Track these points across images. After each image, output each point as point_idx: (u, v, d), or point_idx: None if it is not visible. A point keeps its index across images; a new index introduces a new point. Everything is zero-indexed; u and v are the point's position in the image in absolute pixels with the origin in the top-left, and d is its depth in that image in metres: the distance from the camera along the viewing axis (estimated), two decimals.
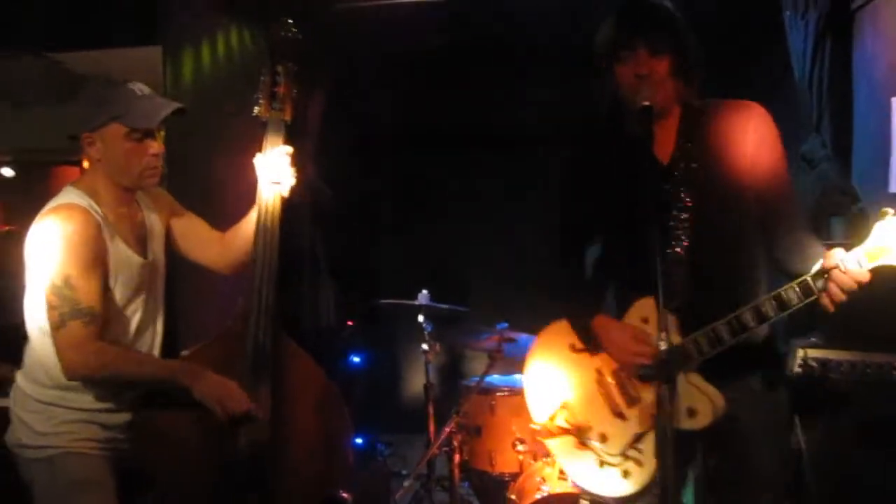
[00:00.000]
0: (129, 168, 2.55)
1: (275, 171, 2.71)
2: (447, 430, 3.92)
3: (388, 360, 6.24)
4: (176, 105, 2.59)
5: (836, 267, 2.12)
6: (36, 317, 2.52)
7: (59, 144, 5.80)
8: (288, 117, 2.78)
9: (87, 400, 2.53)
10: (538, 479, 3.73)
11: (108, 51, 4.18)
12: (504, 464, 4.02)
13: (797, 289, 2.18)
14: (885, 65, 3.94)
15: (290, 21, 2.79)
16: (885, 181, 3.74)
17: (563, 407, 2.59)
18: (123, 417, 2.59)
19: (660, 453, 2.08)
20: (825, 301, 2.16)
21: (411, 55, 5.36)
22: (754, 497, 2.40)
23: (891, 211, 2.10)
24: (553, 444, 2.62)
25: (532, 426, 2.71)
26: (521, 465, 3.96)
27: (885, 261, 2.11)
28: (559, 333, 2.66)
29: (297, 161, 2.77)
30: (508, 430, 3.99)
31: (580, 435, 2.53)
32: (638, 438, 2.41)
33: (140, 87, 2.57)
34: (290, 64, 2.79)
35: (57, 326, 2.42)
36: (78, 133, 2.55)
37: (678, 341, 2.30)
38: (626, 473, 2.43)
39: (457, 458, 3.99)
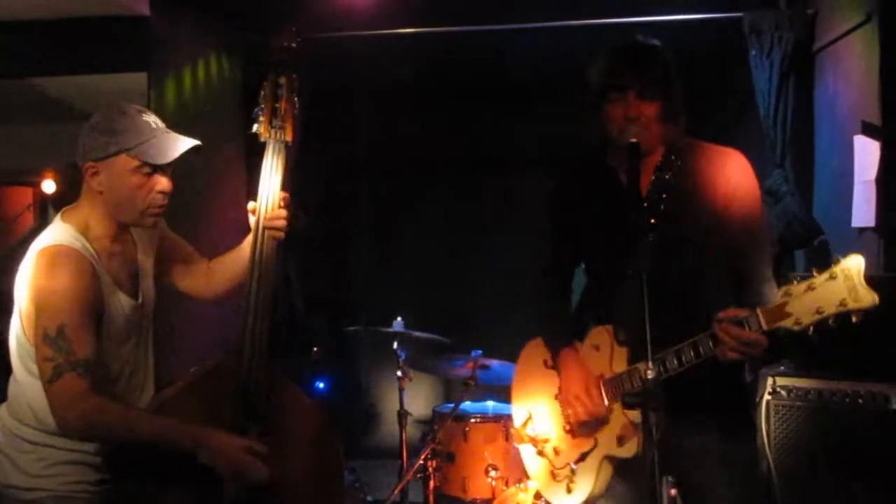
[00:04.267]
0: (132, 204, 2.40)
1: (272, 213, 2.56)
2: (422, 456, 3.95)
3: (356, 386, 6.24)
4: (194, 142, 2.43)
5: (738, 322, 2.17)
6: (24, 357, 2.38)
7: (10, 165, 5.82)
8: (289, 137, 2.57)
9: (77, 440, 2.40)
10: None
11: (93, 76, 4.18)
12: (476, 490, 4.05)
13: (709, 339, 2.24)
14: (846, 104, 4.11)
15: (295, 29, 2.58)
16: (847, 215, 3.88)
17: (531, 417, 2.72)
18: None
19: (647, 479, 2.13)
20: (720, 352, 2.22)
21: (389, 82, 5.44)
22: None
23: (798, 278, 2.11)
24: (521, 448, 2.76)
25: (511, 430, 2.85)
26: (493, 491, 4.00)
27: (782, 324, 2.13)
28: (538, 348, 2.77)
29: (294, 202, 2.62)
30: (481, 457, 4.03)
31: (539, 445, 2.66)
32: (582, 457, 2.51)
33: (154, 120, 2.41)
34: (293, 76, 2.58)
35: (51, 379, 2.26)
36: (81, 161, 2.39)
37: (623, 370, 2.43)
38: (568, 489, 2.54)
39: (431, 484, 4.02)
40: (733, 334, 2.18)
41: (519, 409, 2.79)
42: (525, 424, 2.72)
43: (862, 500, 3.02)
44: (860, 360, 3.09)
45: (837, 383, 3.14)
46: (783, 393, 3.24)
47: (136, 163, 2.36)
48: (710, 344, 2.24)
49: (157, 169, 2.40)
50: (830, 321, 2.07)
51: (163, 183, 2.42)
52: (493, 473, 3.99)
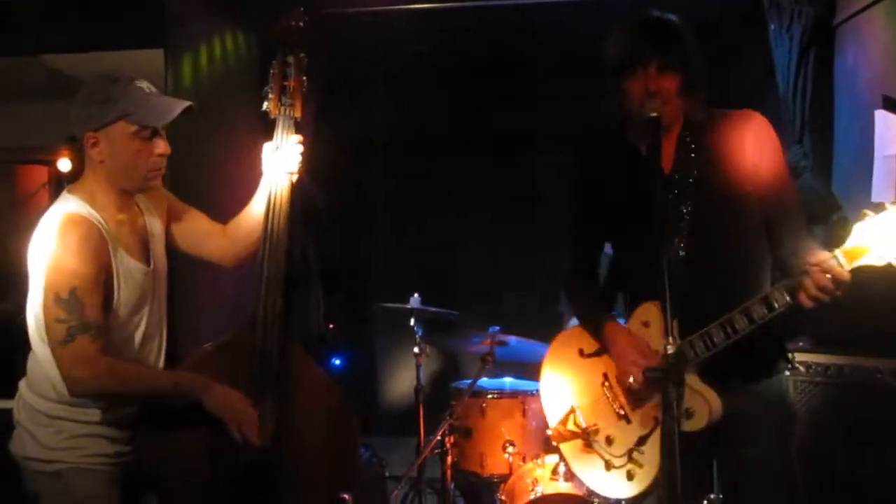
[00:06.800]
0: (134, 169, 2.44)
1: (284, 162, 2.63)
2: (440, 432, 3.96)
3: (372, 363, 6.27)
4: (187, 103, 2.48)
5: (817, 265, 2.14)
6: (42, 332, 2.41)
7: (25, 143, 5.83)
8: (299, 114, 2.65)
9: (95, 413, 2.45)
10: (529, 480, 3.78)
11: (108, 53, 4.18)
12: (494, 465, 4.05)
13: (783, 290, 2.21)
14: (866, 78, 4.07)
15: (302, 9, 2.65)
16: (867, 191, 3.85)
17: (572, 411, 2.67)
18: (130, 430, 2.52)
19: (665, 454, 2.12)
20: (803, 298, 2.18)
21: (405, 59, 5.42)
22: (764, 499, 2.45)
23: (870, 212, 2.10)
24: (565, 447, 2.70)
25: (548, 432, 2.78)
26: (510, 466, 4.00)
27: (864, 261, 2.10)
28: (569, 339, 2.75)
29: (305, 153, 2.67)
30: (498, 433, 4.03)
31: (588, 438, 2.61)
32: (642, 441, 2.48)
33: (147, 85, 2.45)
34: (301, 54, 2.64)
35: (63, 341, 2.30)
36: (80, 133, 2.43)
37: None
38: (630, 475, 2.50)
39: (449, 459, 4.03)
40: (816, 279, 2.13)
41: (555, 408, 2.74)
42: (565, 421, 2.67)
43: (881, 475, 3.02)
44: (879, 335, 3.09)
45: (856, 359, 3.15)
46: (802, 368, 3.25)
47: (134, 128, 2.41)
48: (786, 295, 2.20)
49: (155, 133, 2.44)
50: None
51: (161, 146, 2.47)
52: (510, 449, 3.99)
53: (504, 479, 3.98)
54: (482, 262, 5.86)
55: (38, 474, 2.47)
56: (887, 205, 2.05)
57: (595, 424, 2.60)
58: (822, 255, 2.16)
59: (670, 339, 2.12)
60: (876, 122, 3.77)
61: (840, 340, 3.19)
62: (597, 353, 2.63)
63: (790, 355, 3.21)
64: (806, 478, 3.13)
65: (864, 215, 2.11)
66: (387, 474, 4.68)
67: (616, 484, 2.54)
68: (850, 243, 2.12)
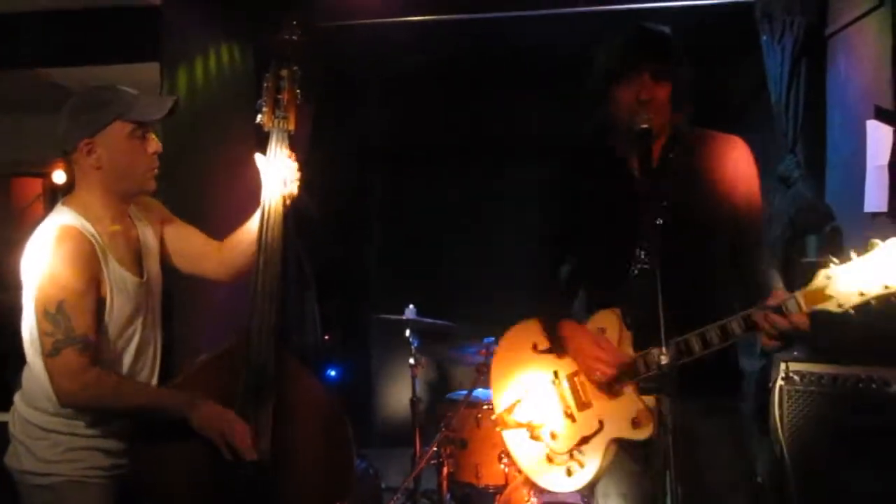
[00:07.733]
0: (133, 169, 2.48)
1: (280, 176, 2.63)
2: (436, 443, 3.97)
3: (368, 374, 6.26)
4: (174, 97, 2.55)
5: (778, 307, 2.18)
6: (36, 344, 2.43)
7: (20, 155, 5.84)
8: (292, 127, 2.66)
9: (91, 425, 2.47)
10: (525, 490, 3.79)
11: (104, 66, 4.21)
12: (489, 476, 4.07)
13: (741, 321, 2.25)
14: (858, 88, 4.09)
15: (296, 23, 2.66)
16: (859, 201, 3.87)
17: (520, 402, 2.70)
18: (125, 442, 2.53)
19: (663, 463, 2.10)
20: (762, 338, 2.23)
21: (400, 70, 5.44)
22: None
23: (836, 260, 2.11)
24: (507, 434, 2.73)
25: (492, 417, 2.84)
26: (506, 477, 4.01)
27: (823, 307, 2.11)
28: (525, 332, 2.75)
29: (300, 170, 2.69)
30: (494, 444, 4.03)
31: (532, 430, 2.64)
32: (584, 441, 2.51)
33: (131, 89, 2.50)
34: (295, 68, 2.66)
35: (50, 354, 2.34)
36: (73, 143, 2.44)
37: (631, 355, 2.44)
38: (569, 472, 2.54)
39: (445, 470, 4.04)
40: (772, 321, 2.18)
41: (503, 395, 2.76)
42: (511, 410, 2.71)
43: (875, 485, 3.02)
44: (873, 344, 3.09)
45: (850, 368, 3.15)
46: (796, 378, 3.25)
47: (130, 127, 2.45)
48: (742, 326, 2.24)
49: (146, 132, 2.49)
50: (872, 302, 2.06)
51: (154, 144, 2.52)
52: (505, 460, 4.00)
53: (500, 489, 3.99)
54: (478, 273, 5.87)
55: (34, 488, 2.47)
56: (852, 253, 2.06)
57: (540, 418, 2.63)
58: (781, 297, 2.19)
59: (664, 350, 2.12)
60: (868, 132, 3.80)
61: (834, 350, 3.20)
62: (549, 351, 2.65)
63: (780, 365, 3.26)
64: (798, 485, 3.17)
65: (827, 263, 2.11)
66: (383, 485, 4.68)
67: (555, 478, 2.57)
68: (812, 286, 2.13)
